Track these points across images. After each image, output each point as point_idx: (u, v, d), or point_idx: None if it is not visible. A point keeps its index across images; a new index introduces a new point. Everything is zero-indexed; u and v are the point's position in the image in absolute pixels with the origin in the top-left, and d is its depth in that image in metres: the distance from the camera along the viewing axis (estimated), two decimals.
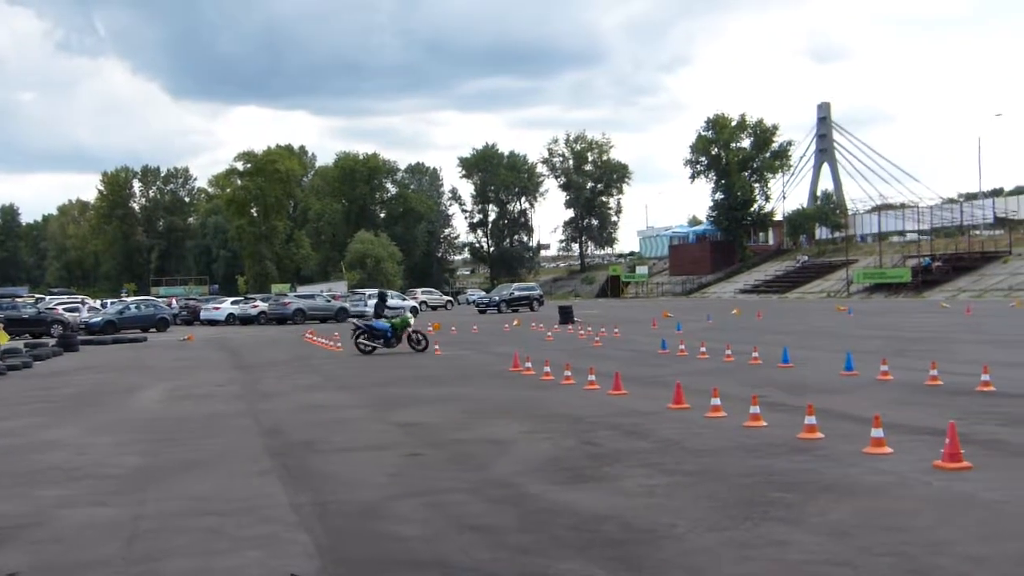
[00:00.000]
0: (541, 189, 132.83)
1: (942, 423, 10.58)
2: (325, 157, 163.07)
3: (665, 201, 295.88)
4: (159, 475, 10.52)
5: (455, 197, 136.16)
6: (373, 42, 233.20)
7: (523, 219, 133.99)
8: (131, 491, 9.71)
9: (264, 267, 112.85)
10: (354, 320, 30.84)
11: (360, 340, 28.11)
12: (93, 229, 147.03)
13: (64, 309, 53.02)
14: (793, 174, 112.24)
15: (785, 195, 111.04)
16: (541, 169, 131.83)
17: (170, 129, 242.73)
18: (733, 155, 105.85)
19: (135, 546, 7.58)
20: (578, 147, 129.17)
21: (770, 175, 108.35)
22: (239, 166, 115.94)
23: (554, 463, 10.39)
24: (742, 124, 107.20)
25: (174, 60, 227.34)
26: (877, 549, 6.82)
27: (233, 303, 61.73)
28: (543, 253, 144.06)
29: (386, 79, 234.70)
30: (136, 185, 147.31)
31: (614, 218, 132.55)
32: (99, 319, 48.80)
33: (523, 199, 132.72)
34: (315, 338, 37.05)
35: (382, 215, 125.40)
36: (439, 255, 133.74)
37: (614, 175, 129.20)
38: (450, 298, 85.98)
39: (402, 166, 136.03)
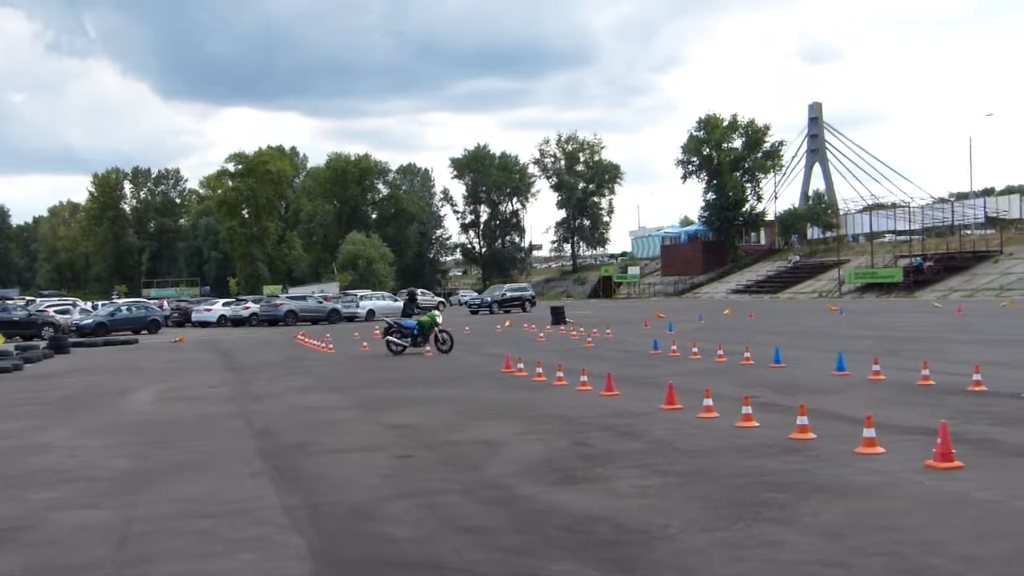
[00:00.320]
0: (533, 190, 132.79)
1: (934, 423, 10.60)
2: (316, 158, 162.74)
3: (657, 201, 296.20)
4: (151, 477, 10.50)
5: (447, 198, 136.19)
6: (364, 43, 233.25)
7: (515, 220, 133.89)
8: (123, 493, 9.69)
9: (255, 268, 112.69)
10: (386, 319, 30.59)
11: (391, 338, 27.85)
12: (84, 231, 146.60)
13: (55, 311, 52.83)
14: (785, 174, 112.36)
15: (777, 195, 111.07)
16: (533, 170, 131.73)
17: (161, 130, 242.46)
18: (725, 155, 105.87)
19: (127, 549, 7.56)
20: (570, 147, 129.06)
21: (762, 175, 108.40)
22: (230, 167, 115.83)
23: (547, 464, 10.39)
24: (734, 124, 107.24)
25: (164, 61, 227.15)
26: (870, 549, 6.83)
27: (224, 305, 61.58)
28: (535, 254, 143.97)
29: (377, 80, 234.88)
30: (127, 186, 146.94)
31: (606, 218, 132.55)
32: (90, 321, 48.69)
33: (515, 200, 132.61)
34: (307, 340, 37.01)
35: (374, 216, 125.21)
36: (431, 256, 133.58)
37: (606, 175, 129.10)
38: (442, 299, 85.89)
39: (394, 167, 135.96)
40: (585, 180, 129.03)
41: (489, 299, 67.00)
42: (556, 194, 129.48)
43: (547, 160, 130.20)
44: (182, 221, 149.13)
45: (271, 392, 19.29)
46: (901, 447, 10.47)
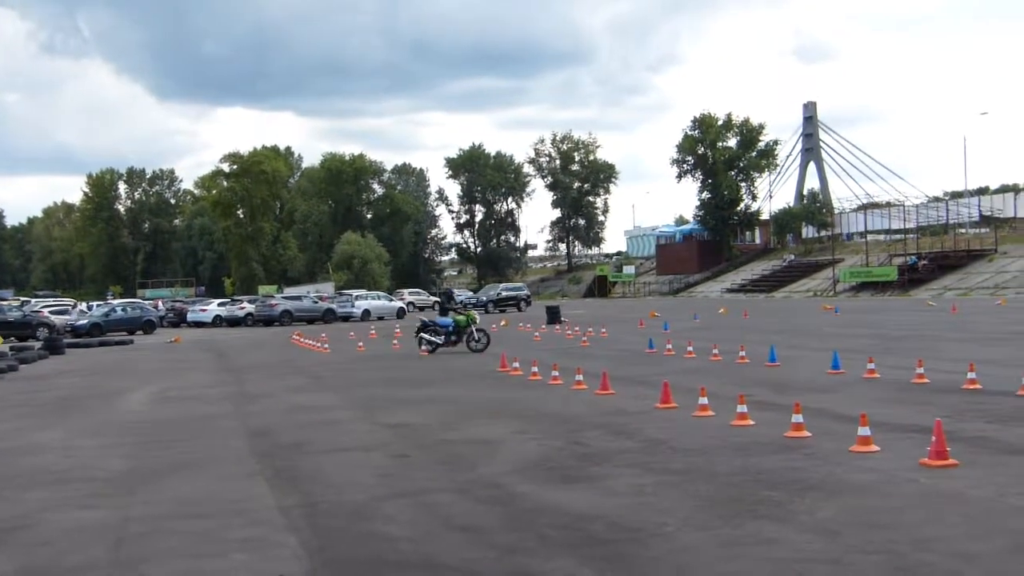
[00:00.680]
0: (528, 189, 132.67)
1: (928, 421, 10.62)
2: (311, 158, 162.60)
3: (652, 201, 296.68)
4: (146, 478, 10.49)
5: (442, 198, 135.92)
6: (358, 43, 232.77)
7: (510, 219, 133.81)
8: (118, 494, 9.68)
9: (251, 268, 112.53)
10: (421, 317, 30.31)
11: (423, 335, 27.50)
12: (78, 231, 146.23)
13: (50, 312, 52.72)
14: (779, 173, 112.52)
15: (772, 194, 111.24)
16: (528, 169, 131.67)
17: (155, 131, 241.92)
18: (720, 154, 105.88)
19: (123, 549, 7.56)
20: (565, 147, 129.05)
21: (756, 174, 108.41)
22: (225, 167, 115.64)
23: (542, 463, 10.40)
24: (728, 123, 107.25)
25: (159, 62, 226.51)
26: (865, 547, 6.84)
27: (220, 305, 61.51)
28: (530, 253, 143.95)
29: (372, 80, 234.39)
30: (121, 187, 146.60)
31: (601, 218, 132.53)
32: (85, 322, 48.64)
33: (510, 199, 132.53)
34: (302, 340, 36.97)
35: (369, 216, 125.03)
36: (426, 256, 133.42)
37: (601, 175, 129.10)
38: (437, 299, 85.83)
39: (388, 167, 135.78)
40: (580, 179, 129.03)
41: (484, 299, 66.95)
42: (551, 193, 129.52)
43: (542, 159, 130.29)
44: (177, 221, 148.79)
45: (267, 392, 19.28)
46: (896, 445, 10.49)
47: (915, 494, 8.39)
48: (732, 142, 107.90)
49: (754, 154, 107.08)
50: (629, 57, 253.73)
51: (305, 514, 8.46)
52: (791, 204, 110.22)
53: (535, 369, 19.73)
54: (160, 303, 71.99)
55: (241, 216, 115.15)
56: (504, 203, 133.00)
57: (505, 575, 6.58)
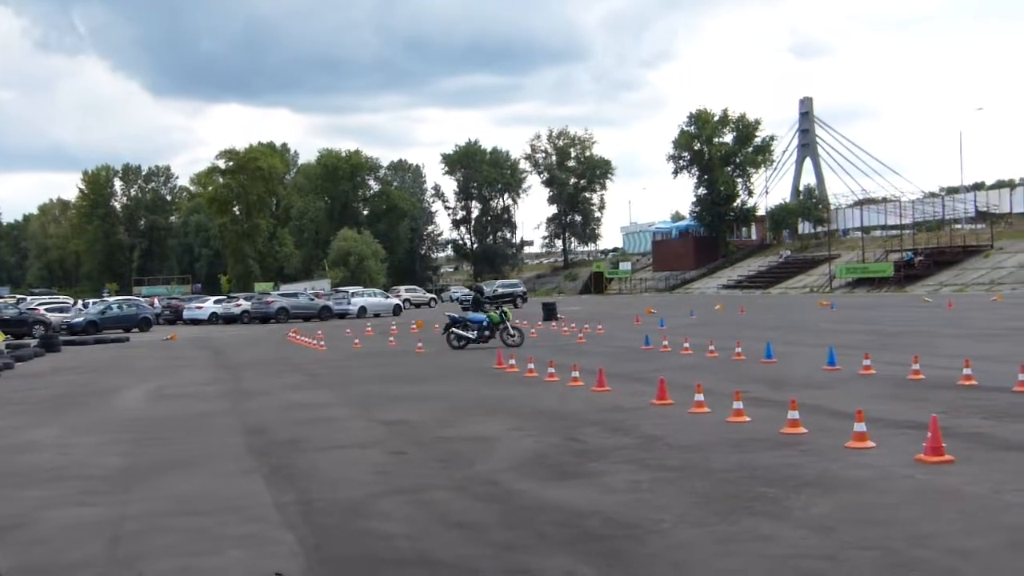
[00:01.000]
0: (524, 185, 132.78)
1: (924, 417, 10.63)
2: (307, 154, 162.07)
3: (648, 197, 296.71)
4: (143, 475, 10.49)
5: (438, 194, 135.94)
6: (353, 40, 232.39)
7: (506, 215, 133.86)
8: (115, 491, 9.69)
9: (247, 266, 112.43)
10: (449, 314, 29.95)
11: (455, 330, 27.31)
12: (74, 228, 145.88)
13: (46, 309, 52.62)
14: (776, 169, 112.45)
15: (768, 190, 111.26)
16: (524, 165, 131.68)
17: (151, 127, 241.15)
18: (716, 150, 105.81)
19: (119, 547, 7.56)
20: (561, 143, 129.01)
21: (753, 170, 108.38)
22: (221, 164, 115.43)
23: (538, 460, 10.41)
24: (724, 119, 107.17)
25: (154, 58, 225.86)
26: (861, 543, 6.85)
27: (216, 302, 61.40)
28: (526, 250, 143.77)
29: (367, 76, 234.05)
30: (117, 184, 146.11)
31: (597, 214, 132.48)
32: (81, 319, 48.57)
33: (506, 195, 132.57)
34: (299, 337, 36.95)
35: (365, 212, 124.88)
36: (422, 252, 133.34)
37: (597, 171, 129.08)
38: (433, 295, 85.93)
39: (384, 163, 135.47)
40: (576, 176, 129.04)
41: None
42: (547, 190, 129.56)
43: (538, 156, 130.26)
44: (173, 218, 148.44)
45: (263, 389, 19.28)
46: (892, 441, 10.51)
47: (911, 490, 8.41)
48: (728, 138, 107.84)
49: (750, 150, 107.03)
50: (624, 53, 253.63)
51: (301, 511, 8.47)
52: (787, 200, 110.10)
53: (531, 366, 19.74)
54: (156, 300, 71.91)
55: (237, 213, 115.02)
56: (500, 199, 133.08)
57: (502, 572, 6.58)
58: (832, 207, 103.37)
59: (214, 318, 57.87)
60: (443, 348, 27.05)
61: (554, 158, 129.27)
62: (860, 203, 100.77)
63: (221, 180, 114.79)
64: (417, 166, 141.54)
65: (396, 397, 16.80)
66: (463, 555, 6.96)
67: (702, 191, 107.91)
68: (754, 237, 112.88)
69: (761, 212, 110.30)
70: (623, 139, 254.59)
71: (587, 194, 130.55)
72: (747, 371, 18.71)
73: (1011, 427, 11.31)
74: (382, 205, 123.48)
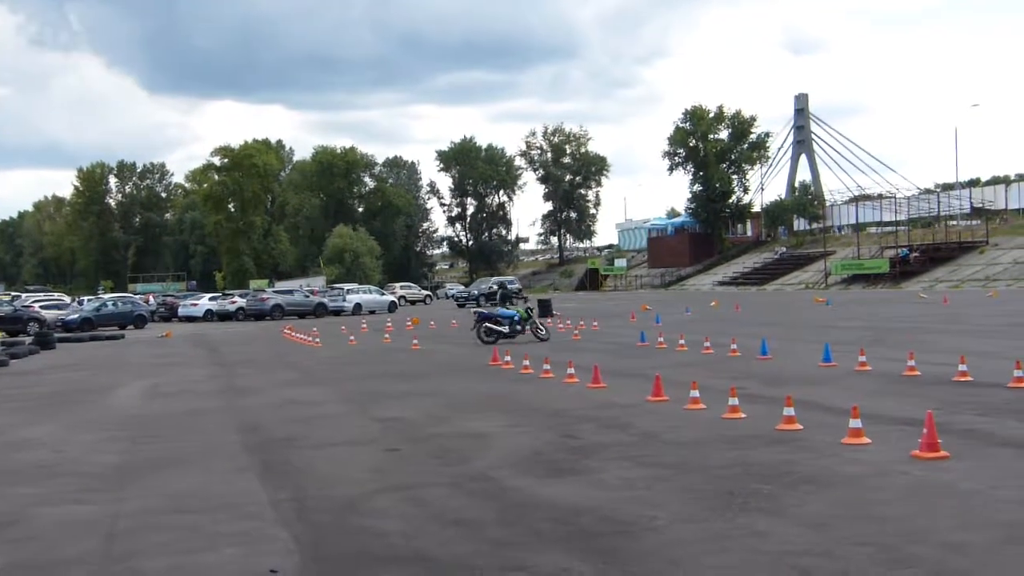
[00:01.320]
0: (519, 182, 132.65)
1: (920, 413, 10.64)
2: (302, 151, 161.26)
3: (643, 193, 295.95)
4: (137, 472, 10.48)
5: (433, 191, 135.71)
6: (348, 36, 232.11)
7: (502, 212, 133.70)
8: (109, 489, 9.67)
9: (242, 263, 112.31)
10: (478, 310, 30.09)
11: (487, 326, 27.49)
12: (69, 225, 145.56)
13: (44, 307, 52.42)
14: (771, 165, 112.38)
15: (763, 187, 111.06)
16: (519, 162, 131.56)
17: (146, 124, 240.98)
18: (711, 147, 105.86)
19: (113, 544, 7.54)
20: (556, 140, 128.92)
21: (748, 166, 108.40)
22: (216, 161, 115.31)
23: (534, 457, 10.40)
24: (720, 116, 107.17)
25: (149, 55, 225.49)
26: (856, 539, 6.85)
27: (211, 299, 61.32)
28: (522, 246, 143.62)
29: (362, 73, 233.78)
30: (112, 181, 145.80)
31: (593, 211, 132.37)
32: (75, 316, 48.47)
33: (501, 192, 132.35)
34: (294, 334, 36.92)
35: (360, 209, 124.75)
36: (418, 249, 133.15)
37: (592, 168, 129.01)
38: (429, 292, 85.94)
39: (380, 160, 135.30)
40: (572, 172, 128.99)
41: (476, 292, 66.98)
42: (543, 186, 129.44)
43: (533, 152, 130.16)
44: (168, 215, 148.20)
45: (258, 387, 19.26)
46: (887, 437, 10.51)
47: (906, 486, 8.41)
48: (723, 134, 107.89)
49: (745, 146, 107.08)
50: (619, 50, 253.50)
51: (296, 508, 8.46)
52: (783, 196, 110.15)
53: (527, 363, 19.74)
54: (151, 297, 71.79)
55: (232, 210, 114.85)
56: (496, 196, 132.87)
57: (497, 569, 6.57)
58: (827, 203, 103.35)
59: (209, 315, 57.78)
60: (440, 347, 27.03)
61: (549, 155, 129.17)
62: (855, 199, 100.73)
63: (216, 177, 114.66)
64: (412, 163, 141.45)
65: (391, 394, 16.79)
66: (458, 552, 6.95)
67: (698, 187, 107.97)
68: (749, 233, 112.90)
69: (757, 208, 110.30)
70: (618, 136, 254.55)
71: (582, 191, 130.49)
72: (742, 367, 18.71)
73: (1006, 423, 11.32)
74: (377, 202, 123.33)
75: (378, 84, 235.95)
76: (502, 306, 29.19)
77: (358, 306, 59.63)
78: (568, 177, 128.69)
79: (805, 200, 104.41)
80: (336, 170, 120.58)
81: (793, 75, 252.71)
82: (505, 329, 27.29)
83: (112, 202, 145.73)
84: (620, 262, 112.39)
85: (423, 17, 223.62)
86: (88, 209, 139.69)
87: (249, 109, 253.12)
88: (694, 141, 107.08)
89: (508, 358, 21.00)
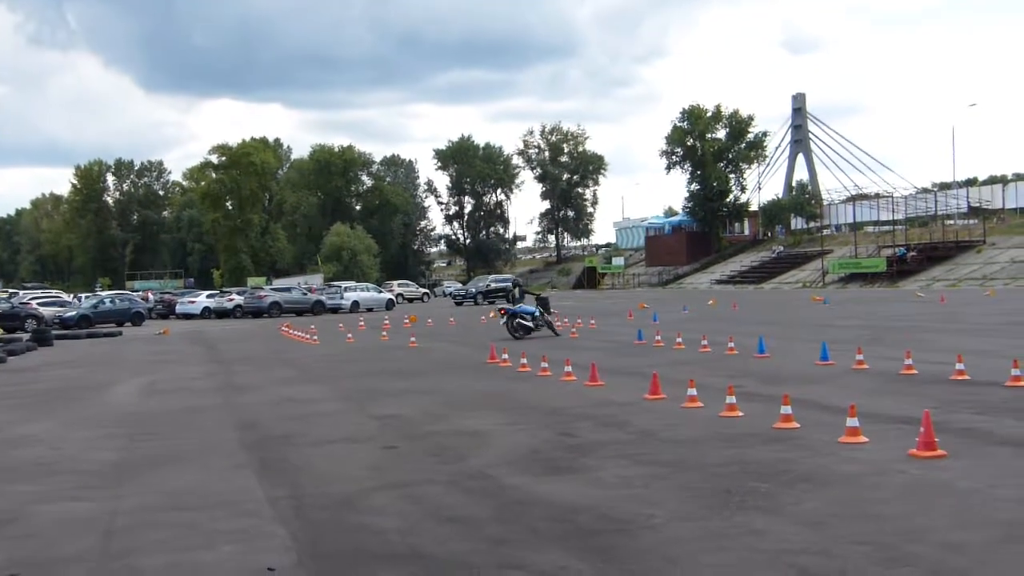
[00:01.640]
0: (517, 181, 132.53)
1: (917, 412, 10.65)
2: (300, 150, 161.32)
3: (641, 192, 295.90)
4: (135, 470, 10.48)
5: (431, 189, 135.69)
6: (346, 35, 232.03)
7: (499, 211, 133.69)
8: (107, 486, 9.66)
9: (239, 260, 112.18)
10: (506, 306, 30.45)
11: (519, 322, 27.99)
12: (67, 223, 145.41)
13: (43, 304, 52.33)
14: (769, 165, 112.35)
15: (761, 186, 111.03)
16: (517, 161, 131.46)
17: (143, 122, 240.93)
18: (709, 146, 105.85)
19: (111, 541, 7.54)
20: (553, 138, 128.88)
21: (746, 166, 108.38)
22: (214, 159, 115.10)
23: (531, 455, 10.40)
24: (717, 115, 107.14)
25: (147, 53, 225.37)
26: (853, 537, 6.86)
27: (209, 297, 61.37)
28: (519, 245, 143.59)
29: (360, 71, 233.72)
30: (110, 179, 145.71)
31: (590, 209, 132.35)
32: (73, 313, 48.43)
33: (499, 191, 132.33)
34: (291, 331, 36.90)
35: (358, 208, 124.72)
36: (415, 247, 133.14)
37: (590, 166, 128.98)
38: (426, 290, 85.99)
39: (377, 158, 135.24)
40: (569, 171, 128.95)
41: (474, 290, 67.04)
42: (540, 185, 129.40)
43: (531, 151, 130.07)
44: (165, 213, 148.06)
45: (255, 384, 19.25)
46: (885, 436, 10.52)
47: (904, 485, 8.42)
48: (721, 134, 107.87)
49: (743, 146, 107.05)
50: (617, 49, 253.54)
51: (294, 506, 8.46)
52: (780, 196, 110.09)
53: (524, 361, 19.75)
54: (149, 295, 71.72)
55: (230, 208, 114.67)
56: (493, 195, 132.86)
57: (495, 567, 6.57)
58: (825, 203, 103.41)
59: (207, 313, 57.77)
60: (438, 344, 27.03)
61: (547, 154, 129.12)
62: (853, 199, 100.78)
63: (214, 175, 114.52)
64: (410, 161, 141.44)
65: (389, 392, 16.78)
66: (456, 550, 6.95)
67: (695, 187, 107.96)
68: (747, 232, 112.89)
69: (754, 207, 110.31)
70: (616, 135, 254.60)
71: (580, 189, 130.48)
72: (740, 366, 18.72)
73: (1004, 422, 11.33)
74: (375, 200, 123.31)
75: (376, 83, 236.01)
76: (521, 302, 29.68)
77: (356, 304, 59.63)
78: (566, 176, 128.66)
79: (802, 199, 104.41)
80: (334, 168, 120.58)
81: (791, 74, 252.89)
82: (531, 324, 28.00)
83: (110, 200, 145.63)
84: (617, 260, 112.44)
85: (422, 16, 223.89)
86: (86, 207, 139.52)
87: (247, 108, 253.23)
88: (692, 140, 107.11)
89: (506, 356, 21.00)
